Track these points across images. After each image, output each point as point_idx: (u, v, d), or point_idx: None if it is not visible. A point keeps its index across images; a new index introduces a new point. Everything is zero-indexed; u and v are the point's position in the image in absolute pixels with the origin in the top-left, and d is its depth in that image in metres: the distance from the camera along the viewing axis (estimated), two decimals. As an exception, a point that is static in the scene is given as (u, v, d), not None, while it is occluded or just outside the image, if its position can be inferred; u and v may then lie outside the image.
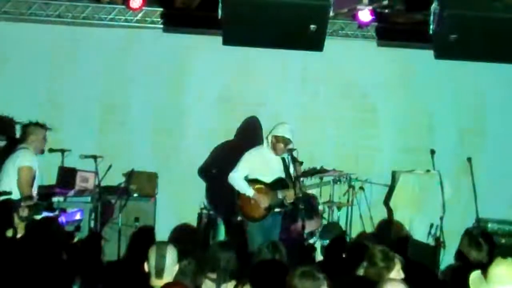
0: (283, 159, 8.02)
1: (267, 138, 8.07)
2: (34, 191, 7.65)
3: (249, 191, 7.99)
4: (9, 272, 5.57)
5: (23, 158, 7.60)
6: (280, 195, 8.02)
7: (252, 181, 8.06)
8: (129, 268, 6.31)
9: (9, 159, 7.69)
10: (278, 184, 8.06)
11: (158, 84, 9.73)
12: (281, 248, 5.75)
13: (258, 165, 8.06)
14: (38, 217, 7.26)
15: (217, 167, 9.45)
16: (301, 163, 8.62)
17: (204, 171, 9.63)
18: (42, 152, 7.86)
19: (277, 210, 8.07)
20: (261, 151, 8.10)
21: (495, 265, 4.17)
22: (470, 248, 5.95)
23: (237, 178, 8.01)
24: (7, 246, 6.35)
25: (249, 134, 9.41)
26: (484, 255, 5.87)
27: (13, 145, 8.04)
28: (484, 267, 4.26)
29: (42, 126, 7.88)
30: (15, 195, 7.38)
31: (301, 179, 8.39)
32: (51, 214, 7.63)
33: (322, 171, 9.36)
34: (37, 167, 7.68)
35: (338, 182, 9.07)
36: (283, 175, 8.06)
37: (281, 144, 7.96)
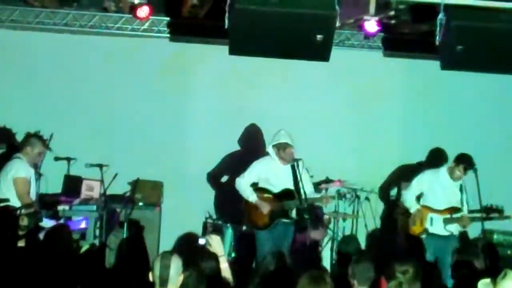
0: (292, 168, 8.01)
1: (268, 151, 8.06)
2: (33, 199, 7.67)
3: (251, 197, 8.02)
4: (14, 279, 5.58)
5: (17, 170, 7.65)
6: (285, 206, 8.01)
7: (261, 190, 8.09)
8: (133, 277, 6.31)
9: (4, 167, 7.76)
10: (285, 195, 8.05)
11: (164, 93, 9.74)
12: (285, 258, 5.71)
13: (265, 175, 8.08)
14: (42, 224, 7.28)
15: (224, 176, 9.47)
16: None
17: (212, 180, 9.65)
18: (36, 166, 7.82)
19: (285, 220, 8.06)
20: (269, 162, 8.11)
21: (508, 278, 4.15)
22: (469, 257, 5.94)
23: (243, 184, 8.07)
24: (12, 253, 6.36)
25: (255, 143, 9.41)
26: (483, 263, 5.85)
27: (12, 152, 8.05)
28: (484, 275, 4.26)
29: (43, 142, 7.84)
30: (13, 204, 7.41)
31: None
32: (53, 222, 7.65)
33: (327, 181, 9.35)
34: (32, 175, 7.72)
35: (344, 198, 9.04)
36: (291, 186, 8.04)
37: (283, 151, 7.96)
